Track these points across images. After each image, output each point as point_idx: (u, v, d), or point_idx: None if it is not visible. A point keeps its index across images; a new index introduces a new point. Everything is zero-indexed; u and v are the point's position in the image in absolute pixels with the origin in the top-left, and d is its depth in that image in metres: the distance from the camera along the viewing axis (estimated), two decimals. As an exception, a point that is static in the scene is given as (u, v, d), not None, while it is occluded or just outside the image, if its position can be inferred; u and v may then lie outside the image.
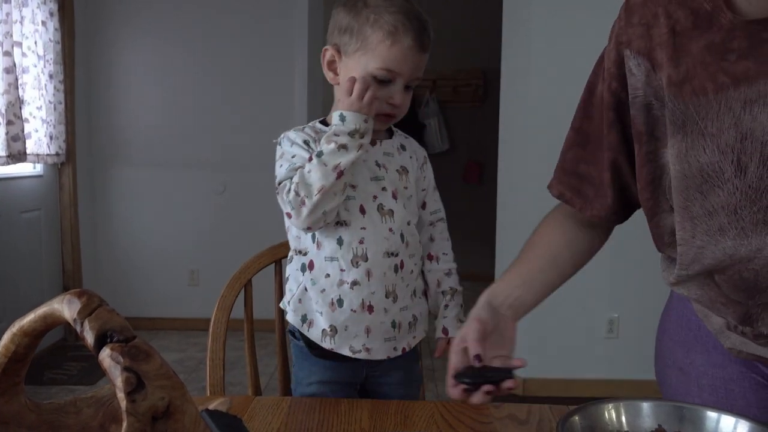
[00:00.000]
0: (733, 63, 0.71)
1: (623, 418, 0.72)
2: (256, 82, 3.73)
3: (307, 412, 0.93)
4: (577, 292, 2.85)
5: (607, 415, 0.72)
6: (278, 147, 1.06)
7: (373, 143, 1.06)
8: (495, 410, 0.91)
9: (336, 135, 0.98)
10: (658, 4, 0.76)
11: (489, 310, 0.85)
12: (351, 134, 0.97)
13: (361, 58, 1.00)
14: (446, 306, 1.12)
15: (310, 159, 0.99)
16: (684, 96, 0.73)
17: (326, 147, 0.98)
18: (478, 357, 0.78)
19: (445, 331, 1.11)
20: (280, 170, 1.03)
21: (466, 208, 4.88)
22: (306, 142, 1.03)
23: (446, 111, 4.92)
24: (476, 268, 4.31)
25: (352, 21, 1.00)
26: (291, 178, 1.00)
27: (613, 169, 0.84)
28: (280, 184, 1.01)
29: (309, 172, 0.97)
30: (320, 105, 3.77)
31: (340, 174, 0.97)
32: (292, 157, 1.03)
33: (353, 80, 0.99)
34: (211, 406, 0.78)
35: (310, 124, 1.09)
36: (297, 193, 0.98)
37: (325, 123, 1.08)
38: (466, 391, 0.77)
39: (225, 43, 3.71)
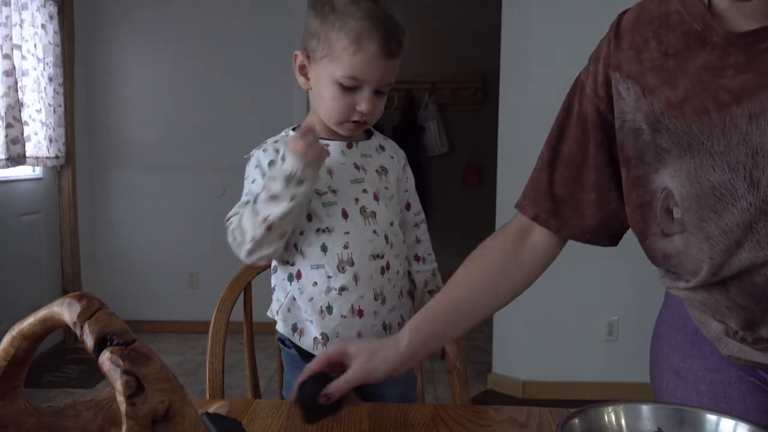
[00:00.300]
0: (732, 78, 0.70)
1: (623, 421, 0.72)
2: (256, 84, 3.74)
3: (306, 415, 0.92)
4: (576, 295, 2.85)
5: (606, 418, 0.72)
6: (247, 165, 1.05)
7: (350, 146, 1.06)
8: (495, 413, 0.91)
9: (272, 179, 0.95)
10: (648, 29, 0.76)
11: (402, 357, 0.82)
12: (287, 179, 0.94)
13: (327, 65, 0.99)
14: None
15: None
16: (685, 117, 0.73)
17: (261, 194, 0.96)
18: (327, 395, 0.79)
19: None
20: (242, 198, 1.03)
21: (465, 210, 4.88)
22: (272, 163, 1.02)
23: (445, 113, 4.92)
24: (476, 270, 4.30)
25: (319, 26, 0.99)
26: (237, 215, 0.99)
27: (599, 190, 0.83)
28: (228, 220, 1.00)
29: (244, 217, 0.96)
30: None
31: (269, 228, 0.95)
32: (253, 182, 1.02)
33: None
34: (211, 410, 0.78)
35: (283, 133, 1.08)
36: (234, 237, 0.97)
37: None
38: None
39: (224, 45, 3.71)
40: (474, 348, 3.54)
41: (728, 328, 0.82)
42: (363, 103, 0.99)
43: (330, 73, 0.98)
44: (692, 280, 0.80)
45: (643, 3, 0.79)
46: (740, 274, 0.75)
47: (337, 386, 0.79)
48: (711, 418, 0.70)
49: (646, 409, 0.73)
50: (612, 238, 0.87)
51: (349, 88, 0.98)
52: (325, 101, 1.01)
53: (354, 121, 1.01)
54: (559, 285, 2.73)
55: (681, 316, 0.91)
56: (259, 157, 1.04)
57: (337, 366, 0.81)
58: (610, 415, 0.73)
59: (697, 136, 0.73)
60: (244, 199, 1.02)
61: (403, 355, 0.82)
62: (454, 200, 4.95)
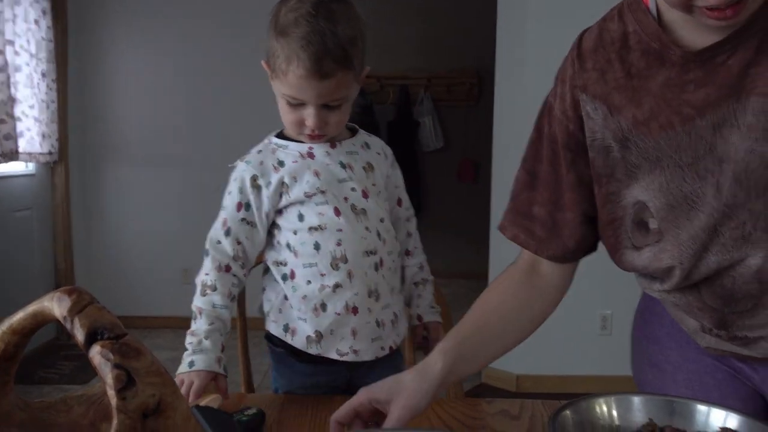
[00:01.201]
0: (693, 93, 0.73)
1: (614, 413, 0.73)
2: (249, 79, 3.71)
3: (300, 408, 0.93)
4: (570, 289, 2.85)
5: (598, 409, 0.73)
6: (231, 174, 1.06)
7: (333, 145, 1.05)
8: (488, 406, 0.91)
9: (191, 337, 0.98)
10: (611, 50, 0.78)
11: (437, 381, 0.78)
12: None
13: (275, 81, 1.00)
14: (419, 295, 1.15)
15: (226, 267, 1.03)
16: (652, 133, 0.75)
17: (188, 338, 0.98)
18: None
19: (419, 318, 1.14)
20: (218, 218, 1.05)
21: (460, 207, 4.88)
22: (254, 179, 1.02)
23: (441, 109, 4.91)
24: (470, 266, 4.31)
25: (269, 42, 0.99)
26: (211, 248, 1.03)
27: (574, 209, 0.84)
28: (206, 246, 1.04)
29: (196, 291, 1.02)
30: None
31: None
32: (229, 193, 1.04)
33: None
34: (202, 403, 0.78)
35: (266, 140, 1.08)
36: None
37: (282, 135, 1.07)
38: None
39: (219, 40, 3.69)
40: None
41: (703, 326, 0.84)
42: (309, 119, 0.99)
43: (278, 88, 1.00)
44: (666, 283, 0.82)
45: (604, 23, 0.81)
46: (711, 277, 0.77)
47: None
48: (701, 408, 0.71)
49: (637, 400, 0.73)
50: (587, 252, 0.89)
51: (295, 104, 0.99)
52: (281, 113, 1.02)
53: (308, 134, 1.02)
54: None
55: (657, 309, 0.93)
56: (239, 171, 1.04)
57: (366, 414, 0.78)
58: (602, 406, 0.73)
59: (665, 150, 0.75)
60: (222, 215, 1.04)
61: (437, 379, 0.79)
62: (449, 197, 4.94)
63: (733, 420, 0.69)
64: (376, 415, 0.77)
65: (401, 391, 0.76)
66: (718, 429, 0.68)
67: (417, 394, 0.77)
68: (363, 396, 0.78)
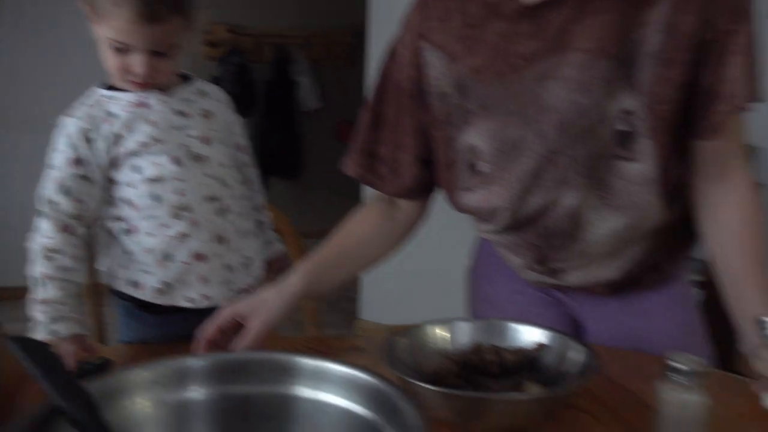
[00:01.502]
0: (523, 45, 0.79)
1: (446, 336, 0.80)
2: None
3: (150, 357, 0.92)
4: (439, 241, 2.97)
5: (430, 334, 0.80)
6: (56, 131, 1.00)
7: (166, 93, 1.03)
8: (337, 342, 0.96)
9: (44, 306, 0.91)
10: (453, 0, 0.83)
11: (292, 301, 0.86)
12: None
13: (100, 24, 0.96)
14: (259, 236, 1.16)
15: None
16: (486, 81, 0.81)
17: (37, 304, 0.91)
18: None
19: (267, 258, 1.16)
20: (47, 178, 0.99)
21: (336, 166, 4.91)
22: (85, 132, 0.98)
23: (318, 69, 4.87)
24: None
25: None
26: (49, 209, 0.96)
27: (413, 152, 0.90)
28: (43, 203, 0.97)
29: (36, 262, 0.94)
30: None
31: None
32: (58, 152, 0.99)
33: None
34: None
35: (90, 93, 1.03)
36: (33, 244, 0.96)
37: (111, 88, 1.03)
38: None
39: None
40: (340, 296, 3.60)
41: (527, 262, 0.93)
42: (137, 66, 0.96)
43: (103, 33, 0.95)
44: (494, 224, 0.90)
45: None
46: (534, 218, 0.86)
47: (245, 345, 0.82)
48: (521, 328, 0.80)
49: (464, 325, 0.81)
50: (426, 192, 0.96)
51: (120, 49, 0.95)
52: (104, 59, 0.98)
53: (134, 81, 0.99)
54: (422, 230, 2.85)
55: (489, 249, 1.02)
56: (71, 125, 0.99)
57: (230, 329, 0.84)
58: (434, 332, 0.80)
59: (498, 98, 0.82)
60: (52, 174, 0.99)
61: (295, 295, 0.86)
62: (327, 156, 4.92)
63: (546, 337, 0.78)
64: (239, 330, 0.83)
65: (260, 307, 0.84)
66: (534, 344, 0.78)
67: (275, 309, 0.84)
68: (227, 312, 0.84)
